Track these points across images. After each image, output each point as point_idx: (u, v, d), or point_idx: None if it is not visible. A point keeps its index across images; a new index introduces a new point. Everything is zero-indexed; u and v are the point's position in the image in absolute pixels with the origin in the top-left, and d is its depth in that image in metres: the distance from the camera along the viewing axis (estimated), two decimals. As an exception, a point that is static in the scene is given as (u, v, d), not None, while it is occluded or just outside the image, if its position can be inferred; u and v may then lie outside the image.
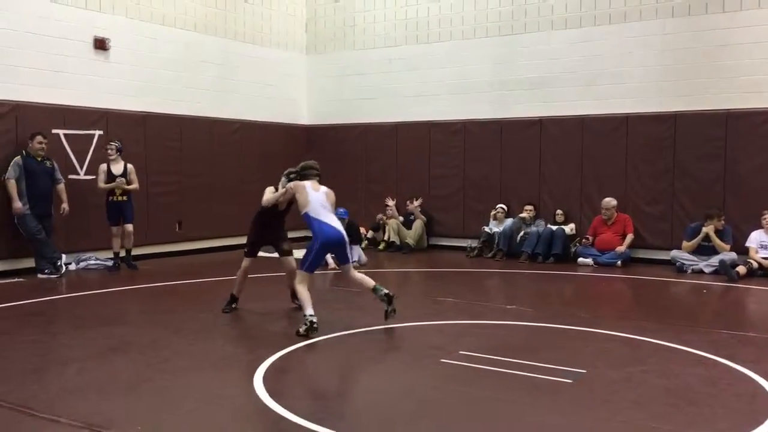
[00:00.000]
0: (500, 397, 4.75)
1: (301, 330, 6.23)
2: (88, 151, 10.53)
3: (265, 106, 13.48)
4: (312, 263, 6.54)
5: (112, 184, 10.11)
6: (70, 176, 10.23)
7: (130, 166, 10.40)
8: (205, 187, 12.24)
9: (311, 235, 6.69)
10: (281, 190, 7.14)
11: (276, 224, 7.51)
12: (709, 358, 5.63)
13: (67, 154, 10.28)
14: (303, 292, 6.40)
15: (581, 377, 5.11)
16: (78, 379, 5.13)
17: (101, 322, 6.93)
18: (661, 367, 5.45)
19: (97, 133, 10.65)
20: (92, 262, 10.31)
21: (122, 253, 10.36)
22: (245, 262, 7.38)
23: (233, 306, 7.40)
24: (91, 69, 10.69)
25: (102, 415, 4.30)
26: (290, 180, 7.09)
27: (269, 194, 7.21)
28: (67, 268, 9.78)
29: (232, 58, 12.86)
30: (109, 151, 10.20)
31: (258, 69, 13.34)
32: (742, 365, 5.38)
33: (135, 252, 10.57)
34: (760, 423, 4.20)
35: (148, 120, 11.35)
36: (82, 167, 10.47)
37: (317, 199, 6.71)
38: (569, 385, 4.96)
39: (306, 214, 6.67)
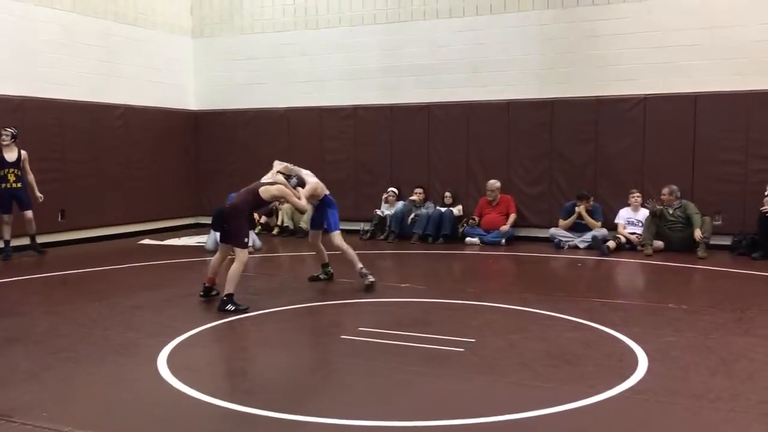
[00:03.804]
0: (398, 368, 5.05)
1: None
2: (-41, 138, 9.96)
3: (151, 91, 13.16)
4: None
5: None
6: (-59, 164, 9.67)
7: (24, 152, 10.10)
8: (90, 175, 11.86)
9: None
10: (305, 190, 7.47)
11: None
12: (584, 324, 6.18)
13: (-63, 140, 9.70)
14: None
15: (471, 346, 5.50)
16: (-28, 372, 4.99)
17: (-12, 315, 6.68)
18: (541, 333, 5.95)
19: (-29, 118, 10.10)
20: (-31, 254, 9.81)
21: (12, 241, 10.05)
22: (246, 255, 6.91)
23: (240, 306, 6.77)
24: (-38, 50, 10.12)
25: (3, 403, 4.24)
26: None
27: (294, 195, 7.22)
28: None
29: (114, 41, 12.46)
30: (3, 137, 9.88)
31: (142, 52, 12.99)
32: (612, 328, 5.96)
33: (15, 243, 10.14)
34: (627, 378, 4.72)
35: (25, 105, 10.84)
36: (-46, 155, 9.90)
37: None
38: (461, 353, 5.33)
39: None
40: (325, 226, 8.03)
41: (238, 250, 6.84)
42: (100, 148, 12.09)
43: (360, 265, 7.89)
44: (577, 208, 11.00)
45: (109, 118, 12.31)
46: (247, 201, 6.89)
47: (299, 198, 7.23)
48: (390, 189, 12.54)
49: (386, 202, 12.44)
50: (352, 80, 12.94)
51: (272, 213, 13.04)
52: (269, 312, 6.74)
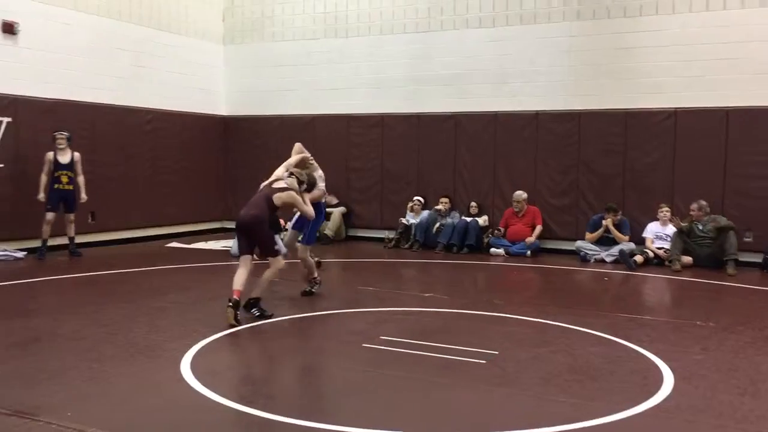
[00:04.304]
0: (419, 377, 5.03)
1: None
2: (-5, 138, 10.19)
3: (181, 96, 13.33)
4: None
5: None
6: (-23, 164, 9.89)
7: (77, 155, 10.42)
8: (119, 178, 12.03)
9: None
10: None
11: None
12: (609, 339, 6.11)
13: (-27, 141, 9.93)
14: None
15: (493, 358, 5.46)
16: (2, 369, 5.07)
17: (17, 314, 6.80)
18: (565, 347, 5.89)
19: (5, 120, 10.30)
20: (0, 253, 9.98)
21: (50, 242, 10.34)
22: (282, 263, 6.99)
23: (266, 312, 6.79)
24: (-1, 53, 10.34)
25: (29, 402, 4.31)
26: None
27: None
28: (-27, 259, 9.47)
29: (147, 46, 12.65)
30: (59, 141, 10.20)
31: (174, 58, 13.17)
32: (637, 345, 5.88)
33: (48, 244, 10.34)
34: (651, 395, 4.65)
35: (58, 107, 11.04)
36: (-12, 155, 10.12)
37: None
38: (483, 364, 5.30)
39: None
40: (300, 238, 7.85)
41: (272, 259, 6.80)
42: (130, 152, 12.26)
43: (316, 275, 7.84)
44: (604, 222, 10.89)
45: (140, 122, 12.48)
46: (265, 210, 6.86)
47: (307, 205, 7.16)
48: (415, 198, 12.53)
49: (411, 210, 12.43)
50: (379, 88, 12.98)
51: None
52: (292, 318, 6.77)
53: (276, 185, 7.05)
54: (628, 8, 11.24)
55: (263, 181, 7.29)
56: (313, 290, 7.81)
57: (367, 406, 4.53)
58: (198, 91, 13.76)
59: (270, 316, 6.65)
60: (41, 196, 10.14)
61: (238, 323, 6.32)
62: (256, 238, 6.81)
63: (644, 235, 10.76)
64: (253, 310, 6.65)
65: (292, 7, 13.71)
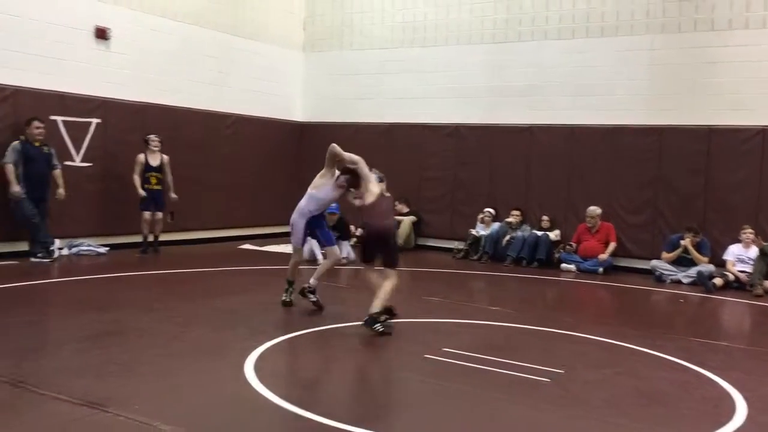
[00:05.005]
0: (480, 393, 4.97)
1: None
2: (85, 139, 10.68)
3: (261, 102, 13.67)
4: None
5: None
6: (67, 163, 10.37)
7: (165, 157, 10.99)
8: (198, 180, 12.38)
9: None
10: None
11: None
12: (681, 364, 5.88)
13: (64, 140, 10.42)
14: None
15: (558, 377, 5.35)
16: (75, 360, 5.31)
17: (95, 307, 7.10)
18: (634, 370, 5.71)
19: (95, 121, 10.80)
20: (84, 248, 10.46)
21: (128, 240, 10.93)
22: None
23: (388, 316, 6.74)
24: (92, 58, 10.84)
25: (100, 393, 4.49)
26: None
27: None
28: (59, 253, 9.94)
29: (230, 53, 13.04)
30: (153, 144, 10.82)
31: (255, 64, 13.52)
32: (711, 371, 5.64)
33: (128, 240, 10.83)
34: (722, 425, 4.45)
35: (145, 110, 11.49)
36: (78, 154, 10.61)
37: None
38: (547, 383, 5.19)
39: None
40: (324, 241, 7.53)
41: (391, 270, 6.76)
42: (210, 155, 12.64)
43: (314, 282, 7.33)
44: (682, 242, 10.51)
45: (220, 127, 12.86)
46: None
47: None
48: (486, 209, 12.42)
49: (482, 222, 12.33)
50: (455, 98, 12.95)
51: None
52: (356, 325, 6.81)
53: (387, 193, 7.06)
54: (716, 22, 10.84)
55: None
56: (311, 298, 7.31)
57: (422, 417, 4.51)
58: (277, 98, 14.07)
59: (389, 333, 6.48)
60: (141, 192, 10.71)
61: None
62: (388, 247, 6.80)
63: (725, 257, 10.32)
64: (375, 326, 6.43)
65: (371, 17, 13.86)
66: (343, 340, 6.42)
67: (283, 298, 7.43)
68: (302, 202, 7.36)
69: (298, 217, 7.30)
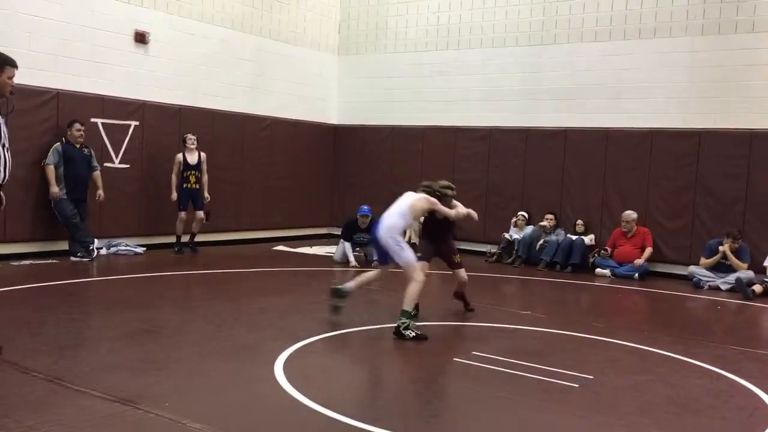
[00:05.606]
0: (508, 397, 4.95)
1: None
2: (123, 141, 10.90)
3: (296, 105, 13.79)
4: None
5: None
6: (106, 164, 10.60)
7: (203, 154, 11.22)
8: (233, 181, 12.55)
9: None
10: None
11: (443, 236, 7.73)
12: (715, 372, 5.78)
13: (104, 142, 10.65)
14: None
15: (588, 382, 5.30)
16: (110, 357, 5.44)
17: (132, 305, 7.24)
18: (667, 377, 5.62)
19: (134, 123, 11.02)
20: (122, 248, 10.66)
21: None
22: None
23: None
24: (131, 61, 11.06)
25: (132, 390, 4.58)
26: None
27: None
28: (98, 252, 10.16)
29: (266, 56, 13.18)
30: (190, 143, 11.03)
31: (290, 68, 13.65)
32: (746, 380, 5.52)
33: (165, 240, 11.00)
34: (757, 435, 4.37)
35: (182, 113, 11.69)
36: (117, 156, 10.84)
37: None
38: (576, 389, 5.15)
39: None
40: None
41: (458, 270, 7.66)
42: (245, 157, 12.79)
43: (352, 284, 7.08)
44: (721, 247, 10.30)
45: (256, 129, 13.01)
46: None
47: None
48: (520, 213, 12.34)
49: (515, 225, 12.26)
50: (489, 101, 12.90)
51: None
52: (387, 327, 6.82)
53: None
54: (758, 23, 10.62)
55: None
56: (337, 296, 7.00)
57: (450, 421, 4.51)
58: (311, 100, 14.18)
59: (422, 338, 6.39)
60: (174, 195, 10.86)
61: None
62: (446, 245, 7.65)
63: (765, 264, 10.09)
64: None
65: (406, 20, 13.89)
66: (372, 343, 6.44)
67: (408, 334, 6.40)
68: (396, 220, 6.71)
69: (395, 235, 6.70)
